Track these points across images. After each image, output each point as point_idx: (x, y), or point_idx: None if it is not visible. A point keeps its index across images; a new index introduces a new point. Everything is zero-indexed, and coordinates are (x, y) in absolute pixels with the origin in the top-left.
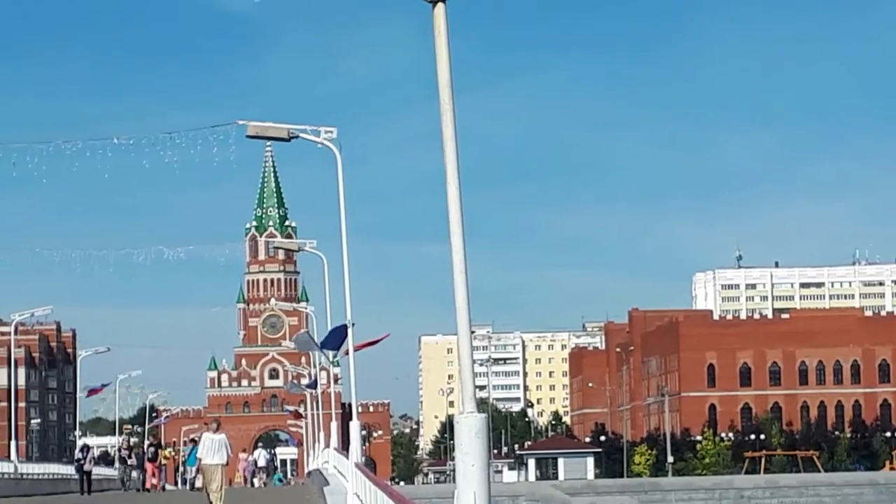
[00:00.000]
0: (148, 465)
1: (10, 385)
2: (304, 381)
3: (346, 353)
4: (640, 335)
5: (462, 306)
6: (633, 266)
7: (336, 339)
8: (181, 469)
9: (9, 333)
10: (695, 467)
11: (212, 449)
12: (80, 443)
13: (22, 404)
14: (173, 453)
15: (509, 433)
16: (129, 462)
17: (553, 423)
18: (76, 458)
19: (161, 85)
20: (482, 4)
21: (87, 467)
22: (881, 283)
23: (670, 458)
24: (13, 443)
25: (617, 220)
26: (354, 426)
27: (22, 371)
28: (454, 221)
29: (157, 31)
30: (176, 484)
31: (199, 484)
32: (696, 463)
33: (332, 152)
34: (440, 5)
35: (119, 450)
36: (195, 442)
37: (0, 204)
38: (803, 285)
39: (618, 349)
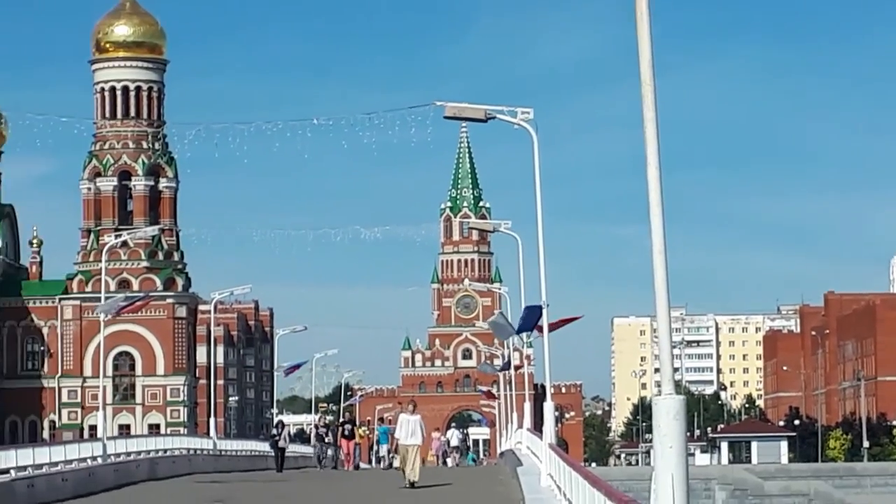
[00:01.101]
0: (343, 443)
1: (209, 363)
2: (497, 362)
3: (540, 333)
4: (836, 319)
5: (661, 289)
6: (829, 249)
7: (530, 319)
8: (375, 448)
9: (209, 312)
10: (891, 452)
11: (408, 429)
12: (275, 419)
13: (220, 382)
14: (367, 432)
15: (702, 416)
16: (326, 440)
17: (746, 406)
18: (271, 434)
19: (360, 66)
20: None
21: (281, 444)
22: None
23: (866, 443)
24: (212, 420)
25: (814, 203)
26: (548, 407)
27: (221, 349)
28: (654, 203)
29: (356, 12)
30: (370, 462)
31: (396, 464)
32: (893, 448)
33: (529, 133)
34: None
35: (316, 427)
36: (384, 421)
37: (202, 183)
38: None
39: (813, 332)
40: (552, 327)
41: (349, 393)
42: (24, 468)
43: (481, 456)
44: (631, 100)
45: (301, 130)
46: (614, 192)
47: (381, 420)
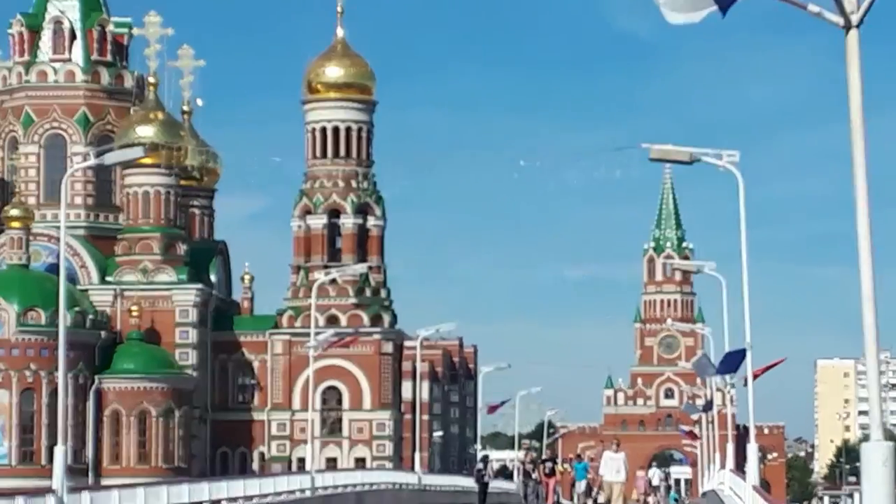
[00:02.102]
0: (545, 480)
1: (414, 398)
2: (700, 402)
3: (744, 379)
4: None
5: (870, 334)
6: None
7: (733, 362)
8: (573, 484)
9: (415, 348)
10: None
11: (613, 467)
12: (480, 453)
13: (425, 417)
14: (568, 468)
15: None
16: (533, 476)
17: None
18: (477, 468)
19: (565, 105)
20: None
21: (486, 479)
22: None
23: None
24: (417, 454)
25: None
26: (752, 449)
27: (426, 385)
28: (863, 245)
29: (562, 53)
30: (571, 499)
31: (601, 499)
32: None
33: (734, 175)
34: (853, 31)
35: (523, 464)
36: (581, 458)
37: (408, 221)
38: None
39: None
40: (756, 374)
41: (552, 430)
42: (236, 500)
43: (683, 495)
44: (838, 138)
45: (507, 170)
46: (819, 231)
47: (579, 457)
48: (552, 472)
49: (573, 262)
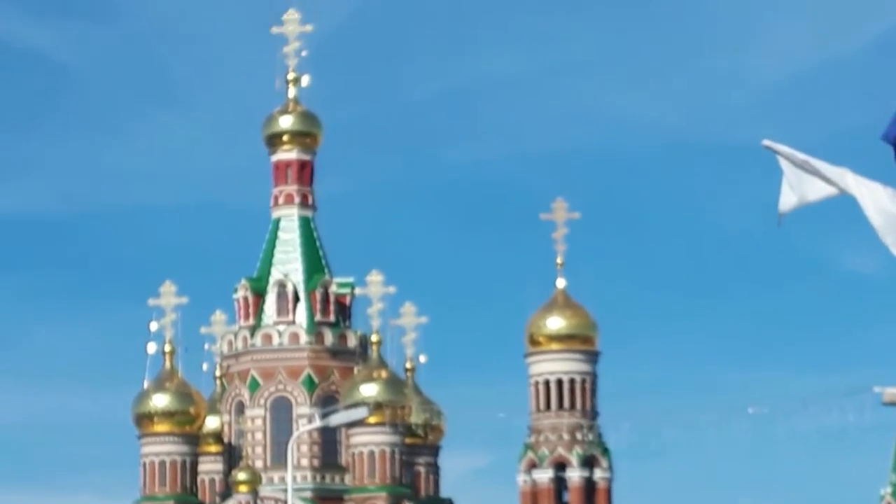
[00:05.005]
0: None
1: None
2: None
3: None
4: None
5: None
6: None
7: None
8: None
9: None
10: None
11: None
12: None
13: None
14: None
15: None
16: None
17: None
18: None
19: (793, 349)
20: None
21: None
22: None
23: None
24: None
25: None
26: None
27: None
28: None
29: (790, 300)
30: None
31: None
32: None
33: None
34: None
35: None
36: None
37: (636, 474)
38: None
39: None
40: None
41: None
42: None
43: None
44: None
45: (735, 419)
46: None
47: None
48: None
49: None
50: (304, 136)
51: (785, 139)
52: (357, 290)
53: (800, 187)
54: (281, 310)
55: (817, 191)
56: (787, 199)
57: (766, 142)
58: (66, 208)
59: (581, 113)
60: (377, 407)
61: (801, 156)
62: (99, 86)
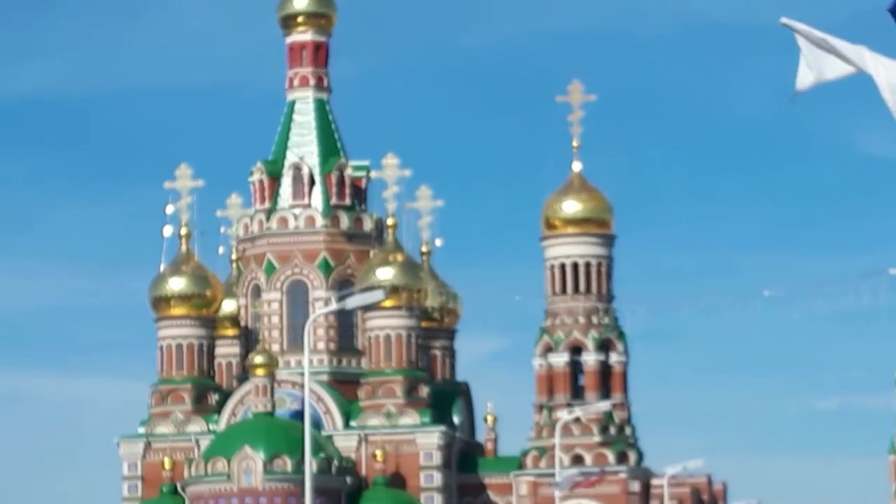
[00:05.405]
0: None
1: None
2: None
3: None
4: None
5: None
6: None
7: None
8: None
9: (662, 486)
10: None
11: None
12: None
13: None
14: None
15: None
16: None
17: None
18: None
19: (808, 233)
20: None
21: None
22: None
23: None
24: None
25: None
26: None
27: None
28: None
29: (804, 180)
30: None
31: None
32: None
33: None
34: None
35: None
36: None
37: (651, 356)
38: None
39: None
40: None
41: None
42: None
43: None
44: None
45: (751, 301)
46: None
47: None
48: None
49: (824, 392)
50: (319, 18)
51: (804, 20)
52: (373, 174)
53: (817, 65)
54: (296, 193)
55: (835, 69)
56: (805, 78)
57: (785, 19)
58: (83, 91)
59: None
60: (393, 290)
61: (819, 34)
62: None
